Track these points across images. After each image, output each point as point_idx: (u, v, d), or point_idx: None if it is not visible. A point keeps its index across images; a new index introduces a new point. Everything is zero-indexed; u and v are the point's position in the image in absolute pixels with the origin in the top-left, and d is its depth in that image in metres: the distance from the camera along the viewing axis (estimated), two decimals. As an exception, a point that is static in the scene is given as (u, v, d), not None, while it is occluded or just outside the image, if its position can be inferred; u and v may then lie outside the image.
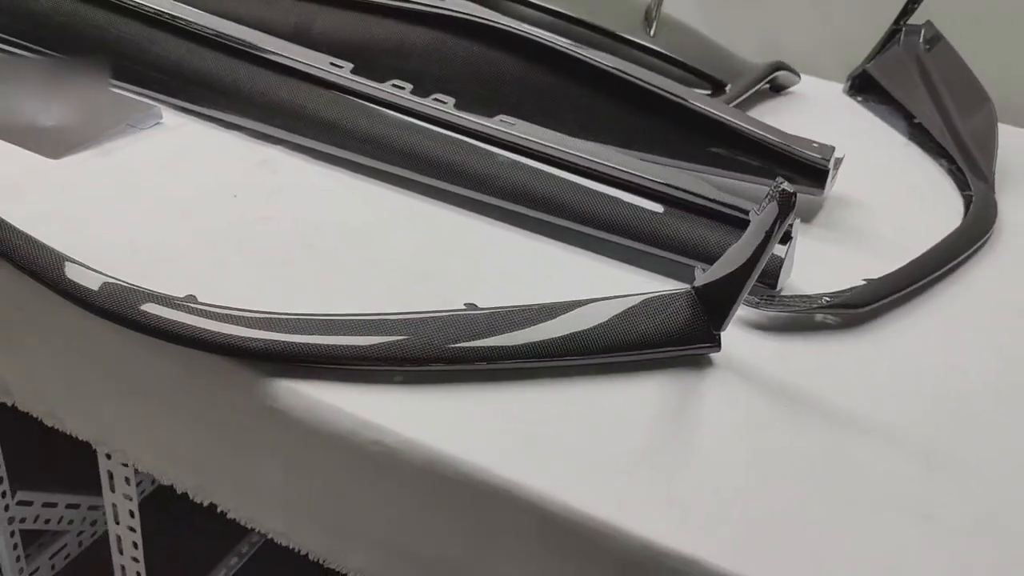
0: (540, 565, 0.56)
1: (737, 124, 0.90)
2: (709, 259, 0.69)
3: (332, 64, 0.89)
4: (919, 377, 0.68)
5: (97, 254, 0.66)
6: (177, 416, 0.65)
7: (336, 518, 0.62)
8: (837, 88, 1.29)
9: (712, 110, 0.90)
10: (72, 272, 0.64)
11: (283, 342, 0.60)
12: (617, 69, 0.91)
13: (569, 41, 0.94)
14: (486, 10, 0.98)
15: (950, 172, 1.06)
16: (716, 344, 0.66)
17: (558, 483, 0.54)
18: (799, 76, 1.25)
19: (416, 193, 0.84)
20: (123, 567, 0.86)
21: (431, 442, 0.56)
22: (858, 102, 1.26)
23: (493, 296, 0.66)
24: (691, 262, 0.74)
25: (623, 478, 0.55)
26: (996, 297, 0.80)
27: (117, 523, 0.84)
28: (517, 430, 0.58)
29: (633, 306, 0.66)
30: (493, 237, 0.79)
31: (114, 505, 0.83)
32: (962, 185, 1.02)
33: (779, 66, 1.20)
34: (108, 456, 0.80)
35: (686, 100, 0.90)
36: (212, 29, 0.92)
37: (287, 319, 0.61)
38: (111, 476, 0.81)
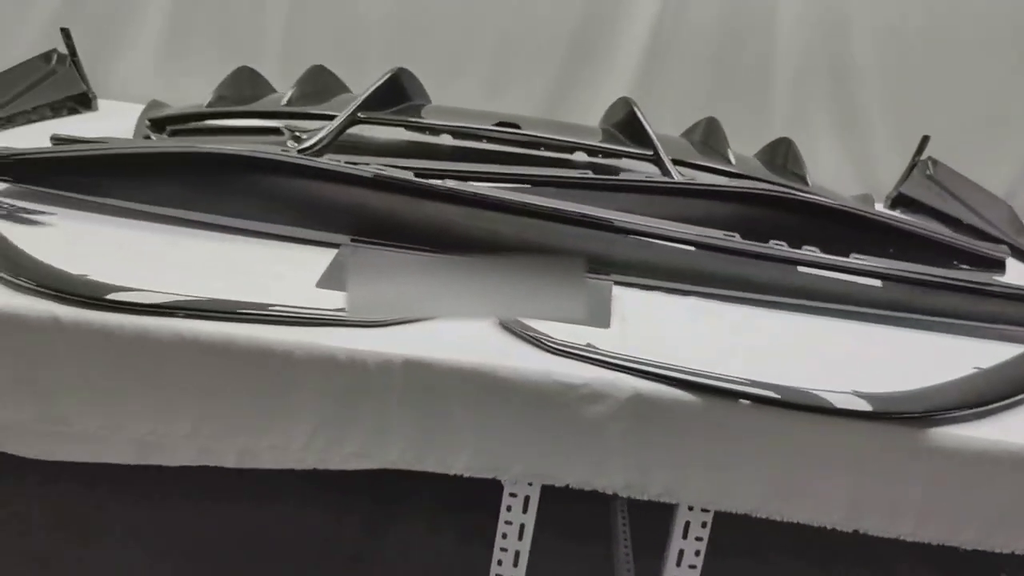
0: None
1: (953, 241, 1.43)
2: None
3: (726, 235, 1.30)
4: None
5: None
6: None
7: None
8: (879, 206, 1.88)
9: (933, 232, 1.43)
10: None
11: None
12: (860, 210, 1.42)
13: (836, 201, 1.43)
14: (756, 182, 1.45)
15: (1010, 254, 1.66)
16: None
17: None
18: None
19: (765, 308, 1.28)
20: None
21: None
22: (899, 212, 1.86)
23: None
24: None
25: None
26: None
27: (678, 566, 1.14)
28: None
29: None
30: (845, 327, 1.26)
31: (680, 551, 1.13)
32: (1026, 258, 1.62)
33: (872, 197, 1.77)
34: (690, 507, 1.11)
35: (917, 228, 1.43)
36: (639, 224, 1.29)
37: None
38: (687, 526, 1.12)
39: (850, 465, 1.03)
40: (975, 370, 1.10)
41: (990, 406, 1.04)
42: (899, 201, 1.89)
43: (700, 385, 1.01)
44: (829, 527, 1.05)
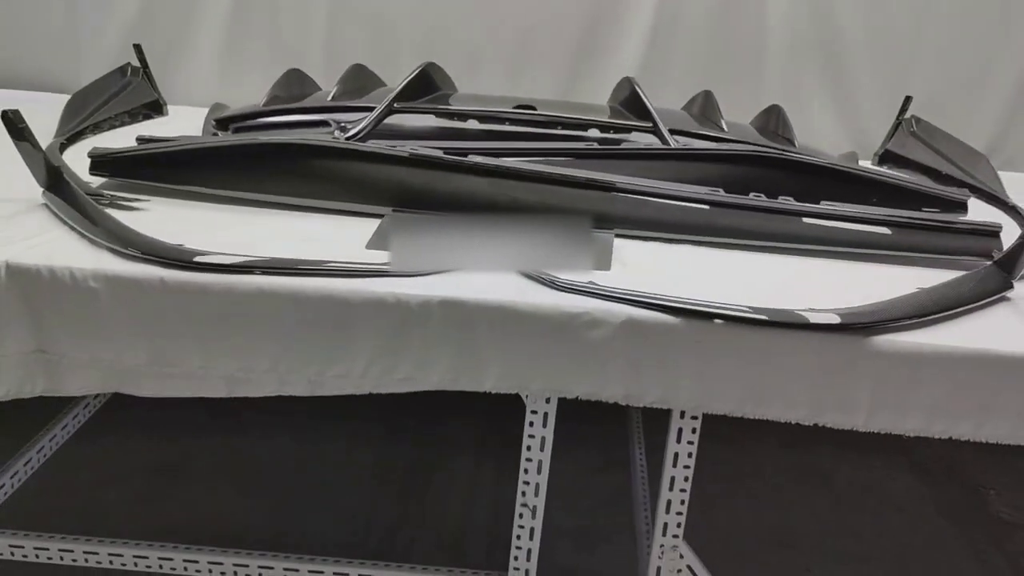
0: None
1: (919, 187, 1.63)
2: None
3: (711, 190, 1.51)
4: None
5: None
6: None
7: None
8: (866, 163, 2.07)
9: (903, 181, 1.63)
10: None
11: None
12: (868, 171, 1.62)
13: (808, 155, 1.63)
14: (739, 145, 1.66)
15: (982, 199, 1.85)
16: (1012, 287, 1.35)
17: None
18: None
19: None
20: (669, 501, 1.41)
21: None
22: (887, 168, 2.04)
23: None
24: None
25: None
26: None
27: (674, 466, 1.37)
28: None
29: (970, 278, 1.33)
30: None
31: (676, 454, 1.37)
32: (1000, 205, 1.80)
33: (856, 154, 1.97)
34: (682, 416, 1.35)
35: (890, 177, 1.62)
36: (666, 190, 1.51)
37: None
38: (680, 432, 1.36)
39: (810, 370, 1.24)
40: (918, 290, 1.30)
41: (927, 317, 1.24)
42: (886, 157, 2.07)
43: (681, 309, 1.23)
44: (794, 422, 1.27)
